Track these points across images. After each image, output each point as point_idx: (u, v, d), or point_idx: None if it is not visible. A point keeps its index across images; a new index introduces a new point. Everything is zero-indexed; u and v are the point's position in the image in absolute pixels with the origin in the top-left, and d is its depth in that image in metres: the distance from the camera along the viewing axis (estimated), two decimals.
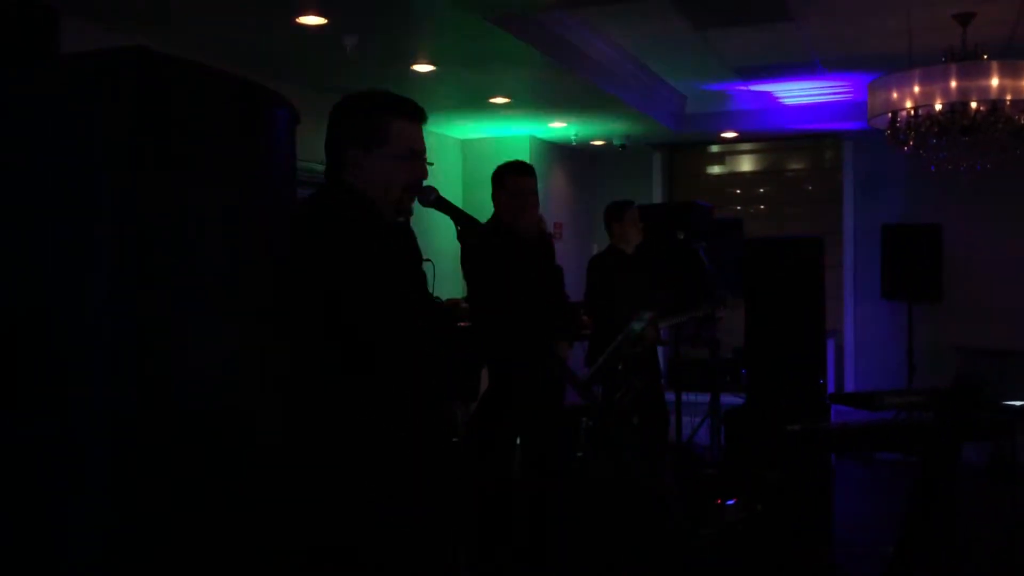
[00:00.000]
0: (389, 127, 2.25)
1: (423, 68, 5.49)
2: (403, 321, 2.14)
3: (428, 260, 5.15)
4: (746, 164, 9.02)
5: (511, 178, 4.07)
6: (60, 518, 1.25)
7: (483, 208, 3.87)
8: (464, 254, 3.76)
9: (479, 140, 7.92)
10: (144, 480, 1.26)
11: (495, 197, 4.13)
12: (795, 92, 7.40)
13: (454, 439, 2.38)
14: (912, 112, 5.20)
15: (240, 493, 1.41)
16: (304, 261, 1.93)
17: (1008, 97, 4.96)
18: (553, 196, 8.17)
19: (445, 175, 7.48)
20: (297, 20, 4.50)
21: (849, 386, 8.06)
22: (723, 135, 8.39)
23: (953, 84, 5.01)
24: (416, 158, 2.30)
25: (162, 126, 1.30)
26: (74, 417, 1.24)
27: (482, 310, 3.84)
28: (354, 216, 2.18)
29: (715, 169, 9.16)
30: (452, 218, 2.76)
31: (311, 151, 2.52)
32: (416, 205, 2.42)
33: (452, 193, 7.67)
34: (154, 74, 1.29)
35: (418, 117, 2.32)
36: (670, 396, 5.43)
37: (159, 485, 1.27)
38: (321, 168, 2.34)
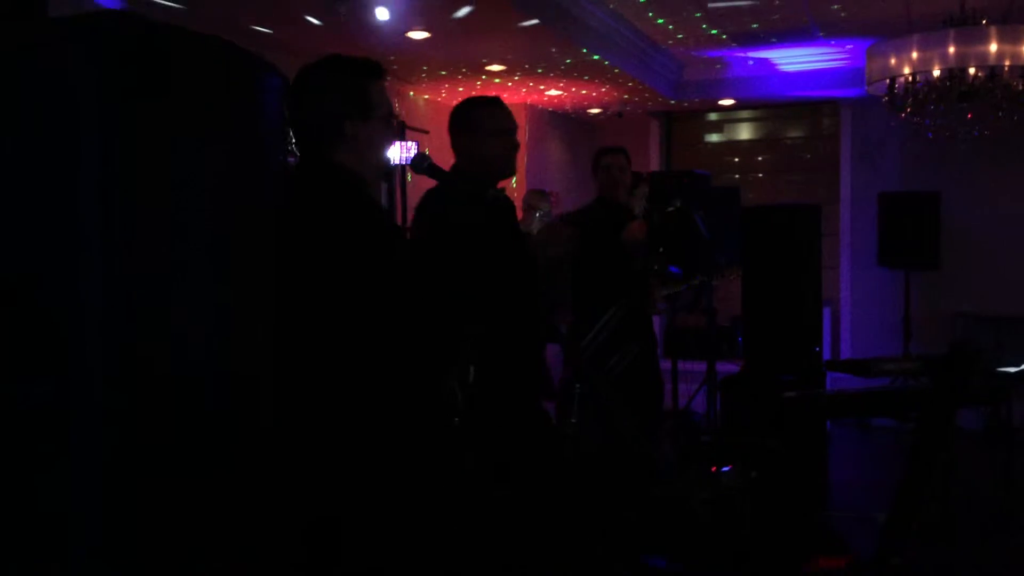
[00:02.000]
0: (371, 90, 2.21)
1: (418, 35, 5.45)
2: (399, 316, 2.11)
3: None
4: (744, 132, 8.98)
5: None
6: (49, 480, 1.26)
7: None
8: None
9: None
10: (133, 445, 1.26)
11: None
12: (793, 58, 7.36)
13: (455, 419, 2.36)
14: (910, 78, 5.17)
15: (229, 461, 1.41)
16: (297, 256, 1.89)
17: (1007, 63, 4.92)
18: (549, 165, 8.14)
19: (441, 142, 7.44)
20: None
21: (845, 353, 8.08)
22: (720, 102, 8.35)
23: (951, 50, 4.97)
24: (393, 116, 2.30)
25: (148, 92, 1.29)
26: (64, 383, 1.24)
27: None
28: (346, 207, 2.12)
29: (713, 137, 9.12)
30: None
31: None
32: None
33: (448, 161, 7.61)
34: (138, 38, 1.28)
35: (384, 75, 2.30)
36: (666, 364, 5.44)
37: (148, 450, 1.28)
38: None
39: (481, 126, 3.06)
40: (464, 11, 4.86)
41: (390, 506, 2.03)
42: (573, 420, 2.90)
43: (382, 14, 4.94)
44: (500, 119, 3.10)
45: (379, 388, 2.05)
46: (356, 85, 2.20)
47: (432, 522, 2.12)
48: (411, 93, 6.86)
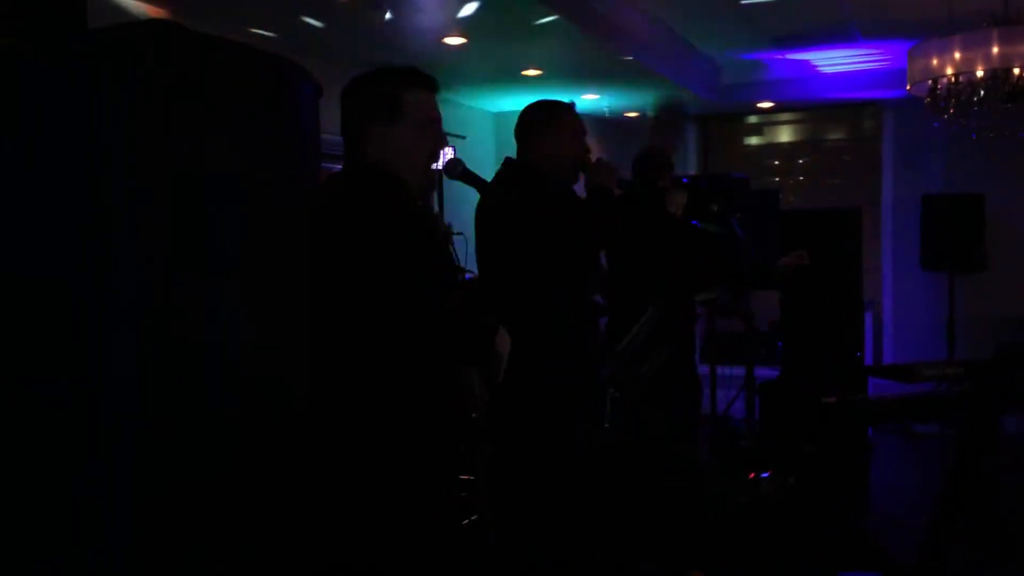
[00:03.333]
0: (403, 98, 2.25)
1: (455, 41, 5.47)
2: (433, 309, 2.13)
3: (460, 233, 5.15)
4: (784, 134, 8.91)
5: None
6: (80, 480, 1.28)
7: None
8: None
9: (512, 113, 7.88)
10: (164, 444, 1.28)
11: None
12: (833, 60, 7.28)
13: (473, 415, 2.38)
14: (953, 79, 5.09)
15: (260, 462, 1.43)
16: (324, 250, 1.91)
17: None
18: None
19: (478, 148, 7.46)
20: None
21: (887, 358, 7.97)
22: (759, 105, 8.28)
23: (995, 49, 4.89)
24: (434, 126, 2.31)
25: (183, 99, 1.31)
26: (95, 384, 1.26)
27: None
28: (383, 201, 2.16)
29: (752, 140, 9.05)
30: (478, 190, 2.77)
31: (338, 124, 2.52)
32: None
33: (485, 166, 7.61)
34: (175, 47, 1.30)
35: (429, 85, 2.32)
36: (704, 369, 5.41)
37: (179, 450, 1.29)
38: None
39: (563, 127, 3.04)
40: (471, 8, 4.86)
41: (400, 505, 2.05)
42: (607, 424, 2.90)
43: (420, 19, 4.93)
44: (580, 123, 3.10)
45: (402, 385, 2.07)
46: (384, 91, 2.26)
47: (439, 522, 2.14)
48: (448, 98, 6.89)
